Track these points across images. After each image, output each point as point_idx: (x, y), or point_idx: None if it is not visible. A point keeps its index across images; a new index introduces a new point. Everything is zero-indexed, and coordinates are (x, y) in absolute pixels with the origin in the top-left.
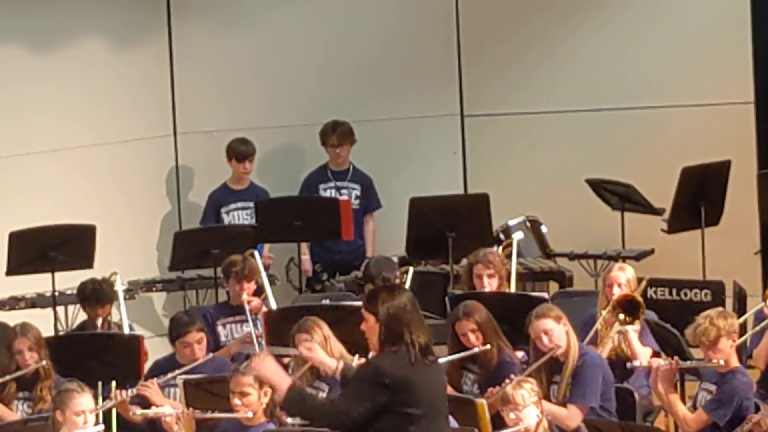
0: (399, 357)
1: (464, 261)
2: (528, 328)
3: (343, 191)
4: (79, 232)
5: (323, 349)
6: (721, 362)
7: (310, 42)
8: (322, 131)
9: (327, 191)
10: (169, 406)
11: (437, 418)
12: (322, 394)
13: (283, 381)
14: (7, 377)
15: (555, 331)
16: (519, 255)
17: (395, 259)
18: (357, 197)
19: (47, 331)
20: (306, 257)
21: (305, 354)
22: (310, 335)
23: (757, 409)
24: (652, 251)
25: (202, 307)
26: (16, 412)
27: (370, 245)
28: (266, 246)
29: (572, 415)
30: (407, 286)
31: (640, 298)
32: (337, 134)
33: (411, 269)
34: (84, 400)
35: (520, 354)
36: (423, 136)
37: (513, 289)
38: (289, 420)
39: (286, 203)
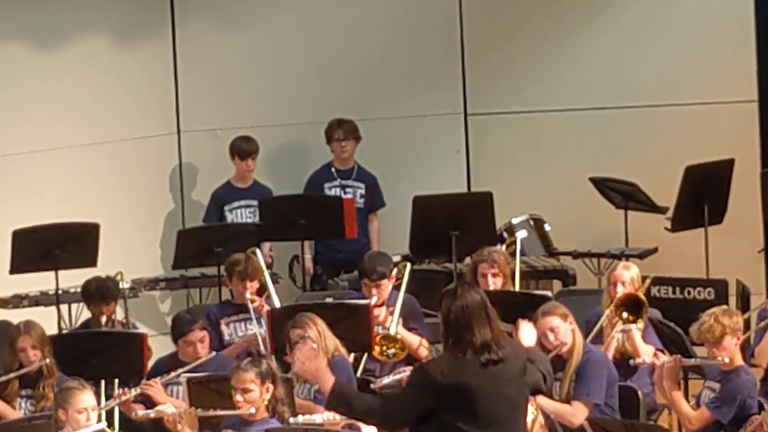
0: (457, 361)
1: (468, 259)
2: (534, 325)
3: (348, 190)
4: (83, 231)
5: (318, 345)
6: (726, 360)
7: (314, 40)
8: (328, 127)
9: (332, 190)
10: (171, 405)
11: (496, 426)
12: (317, 386)
13: (327, 379)
14: (11, 375)
15: (561, 329)
16: (522, 253)
17: (398, 258)
18: (362, 196)
19: (51, 330)
20: (308, 257)
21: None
22: (304, 330)
23: (761, 407)
24: (655, 250)
25: (205, 305)
26: (19, 409)
27: (375, 244)
28: (267, 243)
29: (576, 412)
30: (404, 283)
31: (643, 297)
32: (343, 129)
33: (409, 265)
34: (86, 397)
35: None
36: (426, 135)
37: (517, 288)
38: (291, 420)
39: (289, 201)
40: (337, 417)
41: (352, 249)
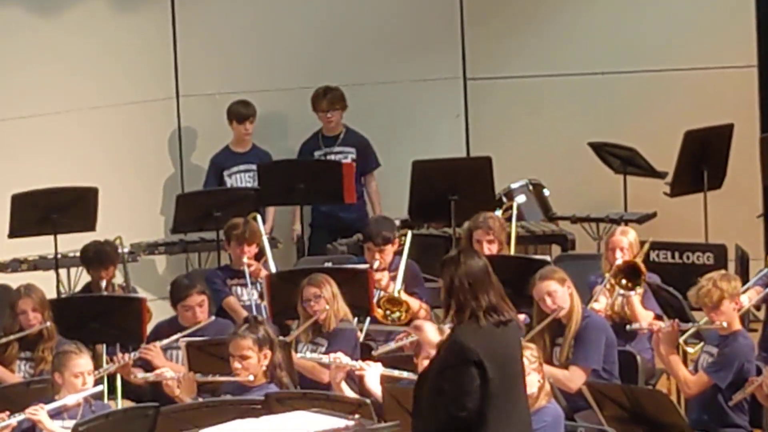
0: (479, 329)
1: (465, 224)
2: (531, 290)
3: (339, 156)
4: (82, 195)
5: (330, 306)
6: (724, 324)
7: (312, 5)
8: (313, 97)
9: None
10: (170, 369)
11: (512, 390)
12: (321, 349)
13: None
14: (11, 337)
15: (558, 293)
16: (521, 218)
17: (397, 223)
18: (353, 160)
19: (50, 294)
20: (296, 227)
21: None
22: (319, 289)
23: (759, 371)
24: (654, 214)
25: (204, 270)
26: (19, 372)
27: (376, 205)
28: (271, 210)
29: (574, 377)
30: (406, 249)
31: (641, 264)
32: (328, 99)
33: (409, 232)
34: (82, 362)
35: (521, 317)
36: (425, 100)
37: (512, 253)
38: (299, 355)
39: (288, 166)
40: (344, 360)
41: (350, 214)
